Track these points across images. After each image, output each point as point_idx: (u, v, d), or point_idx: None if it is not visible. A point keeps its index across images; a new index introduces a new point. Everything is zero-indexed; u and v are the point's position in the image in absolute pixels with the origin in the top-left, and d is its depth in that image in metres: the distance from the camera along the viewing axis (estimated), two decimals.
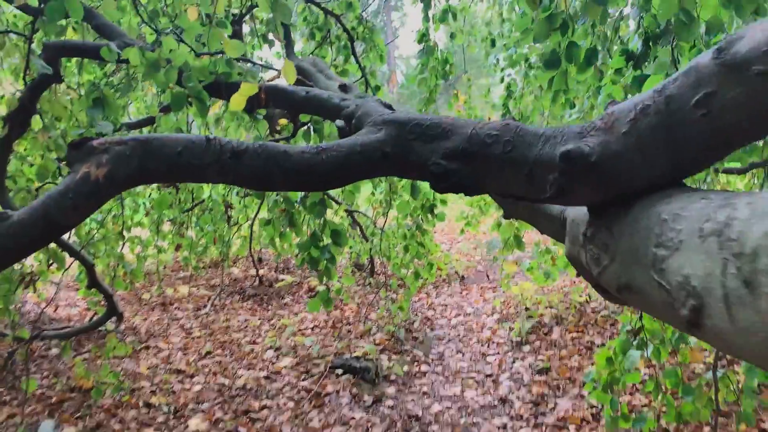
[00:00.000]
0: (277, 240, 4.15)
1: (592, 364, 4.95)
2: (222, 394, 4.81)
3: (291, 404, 4.67)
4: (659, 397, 3.45)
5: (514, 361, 5.45)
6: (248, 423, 4.40)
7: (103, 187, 1.16)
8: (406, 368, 5.34)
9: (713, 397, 3.16)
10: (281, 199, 3.91)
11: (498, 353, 5.71)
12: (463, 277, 8.56)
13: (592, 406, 4.37)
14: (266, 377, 5.16)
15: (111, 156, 1.18)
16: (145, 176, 1.24)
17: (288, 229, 4.03)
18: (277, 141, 4.28)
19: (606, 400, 3.46)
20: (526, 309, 6.73)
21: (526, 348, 5.68)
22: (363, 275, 8.45)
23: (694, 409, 3.20)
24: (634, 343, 3.77)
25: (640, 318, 3.74)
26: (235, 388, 4.93)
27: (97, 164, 1.16)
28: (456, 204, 18.19)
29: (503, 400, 4.68)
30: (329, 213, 7.38)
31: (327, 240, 3.73)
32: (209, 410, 4.54)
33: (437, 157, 1.20)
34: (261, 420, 4.44)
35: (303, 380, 5.08)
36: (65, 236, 4.54)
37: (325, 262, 3.75)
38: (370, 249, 7.26)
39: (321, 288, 3.93)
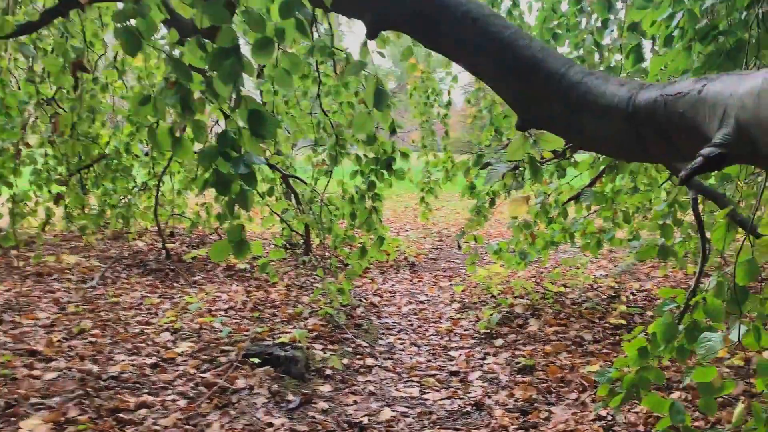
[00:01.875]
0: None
1: (588, 362, 3.80)
2: (85, 385, 3.37)
3: (182, 402, 3.28)
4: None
5: (484, 358, 4.23)
6: (114, 427, 2.99)
7: None
8: (346, 361, 4.04)
9: None
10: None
11: (463, 347, 4.48)
12: (413, 264, 7.33)
13: (600, 418, 3.19)
14: (153, 365, 3.75)
15: None
16: None
17: (185, 133, 2.71)
18: None
19: (662, 406, 2.27)
20: (493, 297, 5.55)
21: (499, 342, 4.48)
22: (296, 253, 7.11)
23: None
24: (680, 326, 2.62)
25: (692, 294, 2.59)
26: (105, 377, 3.50)
27: None
28: (403, 190, 17.01)
29: (478, 406, 3.44)
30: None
31: (246, 147, 2.42)
32: (59, 407, 3.10)
33: None
34: (134, 423, 3.04)
35: (204, 371, 3.70)
36: None
37: (239, 183, 2.45)
38: (307, 222, 5.95)
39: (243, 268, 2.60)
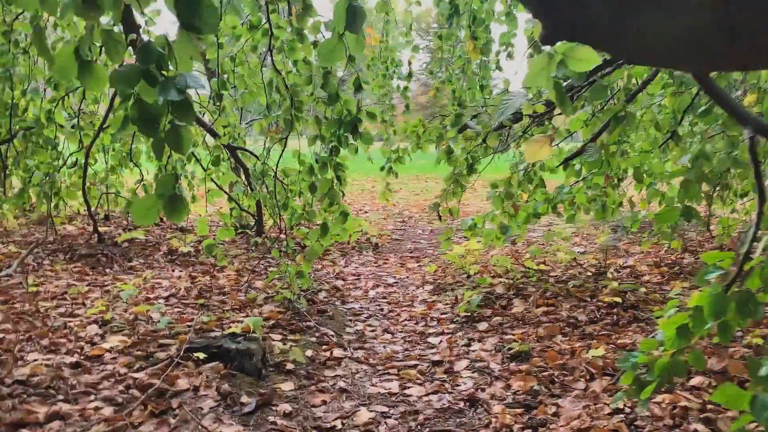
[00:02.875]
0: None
1: (590, 346, 3.30)
2: None
3: (108, 410, 2.62)
4: None
5: (469, 344, 3.69)
6: None
7: None
8: (310, 353, 3.43)
9: None
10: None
11: (443, 332, 3.93)
12: (376, 245, 6.74)
13: (617, 411, 2.68)
14: (74, 365, 3.06)
15: None
16: None
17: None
18: None
19: (736, 401, 1.75)
20: (469, 277, 5.02)
21: (482, 325, 3.94)
22: (248, 234, 6.44)
23: None
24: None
25: (743, 262, 2.07)
26: (10, 382, 2.80)
27: None
28: (357, 173, 16.40)
29: (471, 401, 2.89)
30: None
31: (179, 65, 1.79)
32: None
33: None
34: None
35: (138, 370, 3.03)
36: None
37: (170, 116, 1.82)
38: (259, 198, 5.30)
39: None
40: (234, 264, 5.46)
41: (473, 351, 3.55)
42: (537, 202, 4.59)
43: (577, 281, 4.70)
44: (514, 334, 3.72)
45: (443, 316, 4.23)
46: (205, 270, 5.28)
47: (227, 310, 4.01)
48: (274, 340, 3.49)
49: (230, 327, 3.56)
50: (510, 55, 6.61)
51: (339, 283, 5.11)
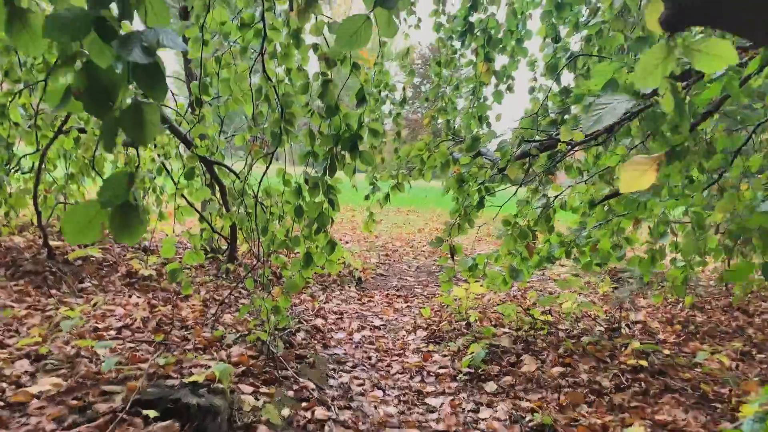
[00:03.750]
0: None
1: (623, 422, 2.75)
2: None
3: None
4: None
5: (477, 409, 3.10)
6: None
7: None
8: (287, 412, 2.81)
9: None
10: None
11: (444, 392, 3.33)
12: (360, 280, 6.14)
13: None
14: None
15: None
16: None
17: None
18: None
19: None
20: (469, 326, 4.44)
21: (490, 386, 3.36)
22: (219, 260, 5.81)
23: None
24: None
25: None
26: None
27: None
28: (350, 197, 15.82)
29: None
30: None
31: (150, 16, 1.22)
32: None
33: None
34: None
35: (69, 427, 2.37)
36: None
37: (129, 88, 1.24)
38: (235, 221, 4.71)
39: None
40: (200, 293, 4.82)
41: (483, 419, 2.96)
42: (552, 245, 4.08)
43: (592, 337, 4.15)
44: (529, 400, 3.14)
45: (442, 370, 3.64)
46: (167, 297, 4.62)
47: (189, 350, 3.36)
48: (244, 393, 2.86)
49: (191, 374, 2.93)
50: (510, 88, 6.15)
51: (319, 322, 4.49)
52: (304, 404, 2.94)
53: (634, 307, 5.48)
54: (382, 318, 4.84)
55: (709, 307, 5.68)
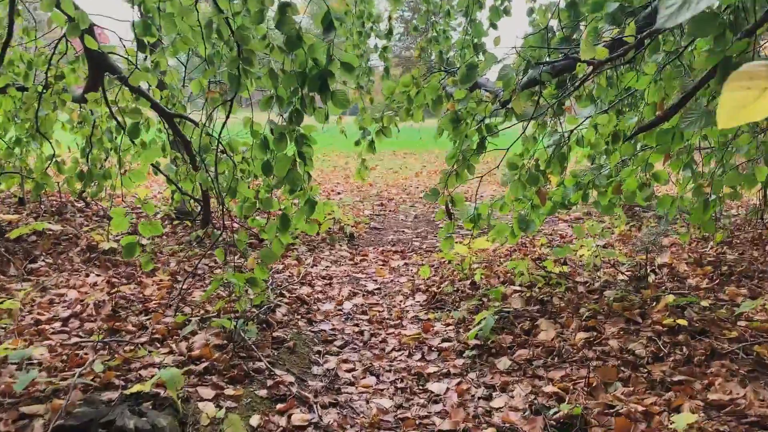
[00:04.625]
0: None
1: (669, 403, 2.21)
2: None
3: None
4: None
5: (489, 396, 2.57)
6: None
7: None
8: (256, 420, 2.28)
9: None
10: None
11: (448, 374, 2.80)
12: (352, 236, 5.58)
13: None
14: None
15: None
16: None
17: None
18: None
19: None
20: (474, 285, 3.89)
21: (503, 362, 2.83)
22: (189, 226, 5.25)
23: None
24: None
25: None
26: None
27: None
28: (327, 146, 14.99)
29: None
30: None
31: None
32: None
33: None
34: None
35: None
36: None
37: None
38: (200, 180, 4.12)
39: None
40: (169, 265, 4.26)
41: (497, 409, 2.43)
42: (567, 188, 3.48)
43: (616, 291, 3.60)
44: (552, 380, 2.61)
45: (446, 344, 3.11)
46: (131, 273, 4.08)
47: (143, 344, 2.82)
48: (202, 400, 2.33)
49: (140, 379, 2.39)
50: (507, 11, 5.41)
51: (305, 291, 3.94)
52: (279, 406, 2.41)
53: (657, 249, 4.91)
54: (376, 280, 4.30)
55: (738, 242, 5.12)
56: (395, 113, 3.75)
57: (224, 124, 3.52)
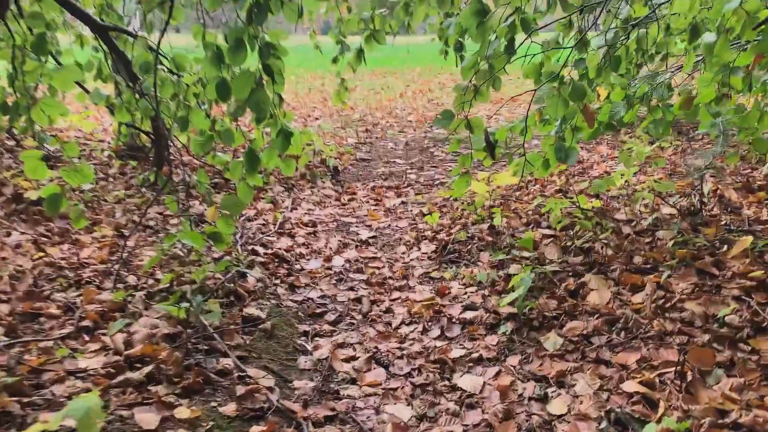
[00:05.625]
0: None
1: None
2: None
3: None
4: None
5: (544, 395, 1.88)
6: None
7: None
8: None
9: None
10: None
11: (481, 358, 2.10)
12: (336, 170, 4.78)
13: None
14: None
15: None
16: None
17: None
18: None
19: None
20: (493, 229, 3.15)
21: (552, 341, 2.13)
22: (138, 168, 4.42)
23: None
24: None
25: None
26: None
27: None
28: (300, 65, 13.83)
29: None
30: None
31: None
32: None
33: None
34: None
35: None
36: None
37: None
38: (143, 111, 3.29)
39: None
40: (115, 216, 3.46)
41: (561, 421, 1.74)
42: (615, 104, 2.71)
43: (669, 230, 2.89)
44: (624, 366, 1.92)
45: (470, 313, 2.39)
46: (65, 229, 3.27)
47: (64, 339, 2.07)
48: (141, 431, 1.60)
49: (47, 404, 1.65)
50: None
51: (284, 244, 3.18)
52: (254, 429, 1.69)
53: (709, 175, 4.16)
54: (370, 225, 3.55)
55: None
56: (389, 12, 2.89)
57: (164, 30, 2.65)
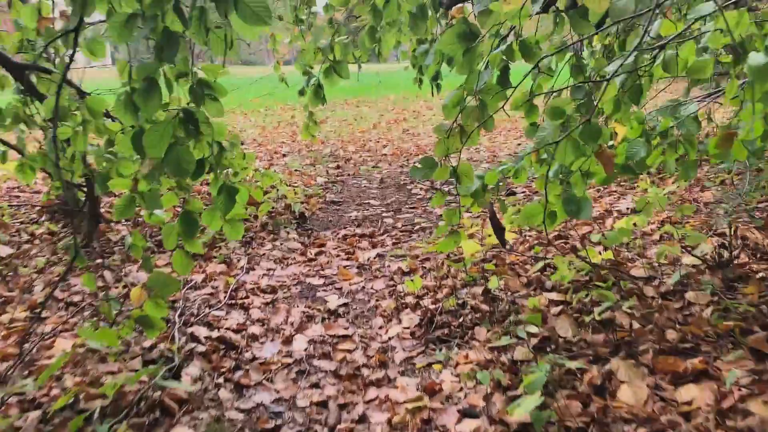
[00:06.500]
0: None
1: None
2: None
3: None
4: None
5: None
6: None
7: None
8: None
9: None
10: None
11: None
12: (303, 217, 4.22)
13: None
14: None
15: None
16: None
17: None
18: None
19: None
20: (487, 293, 2.62)
21: None
22: (70, 227, 3.85)
23: None
24: None
25: None
26: None
27: None
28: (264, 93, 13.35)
29: None
30: None
31: None
32: None
33: None
34: None
35: None
36: None
37: None
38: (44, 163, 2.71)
39: None
40: (32, 291, 2.87)
41: None
42: (633, 142, 2.21)
43: (703, 293, 2.37)
44: None
45: (470, 425, 1.83)
46: None
47: None
48: None
49: None
50: None
51: (233, 321, 2.60)
52: None
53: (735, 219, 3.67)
54: (340, 288, 2.99)
55: None
56: (352, 39, 2.37)
57: (68, 66, 2.10)
